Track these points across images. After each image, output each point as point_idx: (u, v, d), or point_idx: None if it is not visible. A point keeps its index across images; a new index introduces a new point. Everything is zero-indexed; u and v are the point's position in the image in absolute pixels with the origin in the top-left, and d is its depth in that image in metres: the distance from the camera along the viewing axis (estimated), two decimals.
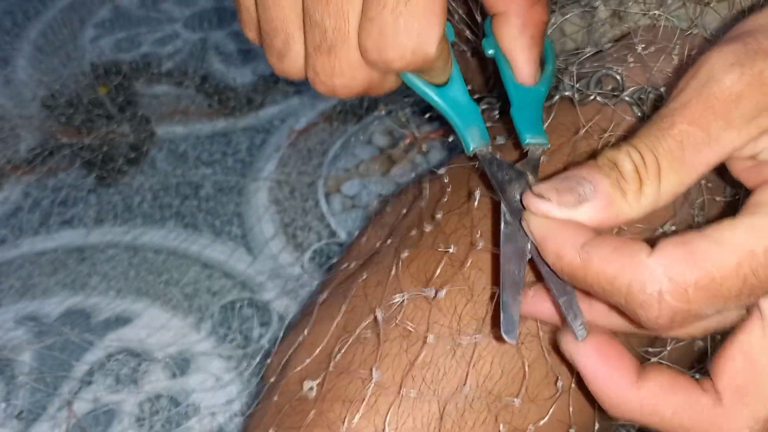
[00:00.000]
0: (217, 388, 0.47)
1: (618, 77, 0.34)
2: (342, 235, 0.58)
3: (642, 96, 0.34)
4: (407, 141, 0.62)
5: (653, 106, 0.33)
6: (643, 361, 0.32)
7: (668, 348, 0.32)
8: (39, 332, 0.51)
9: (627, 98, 0.34)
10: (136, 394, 0.47)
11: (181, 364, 0.48)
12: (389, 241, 0.35)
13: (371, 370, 0.29)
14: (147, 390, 0.47)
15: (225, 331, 0.51)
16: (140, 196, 0.62)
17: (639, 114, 0.33)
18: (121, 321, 0.52)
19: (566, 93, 0.35)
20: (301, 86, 0.73)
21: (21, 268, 0.56)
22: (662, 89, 0.33)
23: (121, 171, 0.64)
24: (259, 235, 0.58)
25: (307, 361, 0.32)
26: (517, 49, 0.30)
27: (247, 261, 0.56)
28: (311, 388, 0.31)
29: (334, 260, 0.48)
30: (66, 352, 0.49)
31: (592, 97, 0.34)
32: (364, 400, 0.29)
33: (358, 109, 0.68)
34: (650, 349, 0.32)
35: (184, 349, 0.49)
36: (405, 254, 0.33)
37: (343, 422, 0.29)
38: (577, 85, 0.35)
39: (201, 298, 0.53)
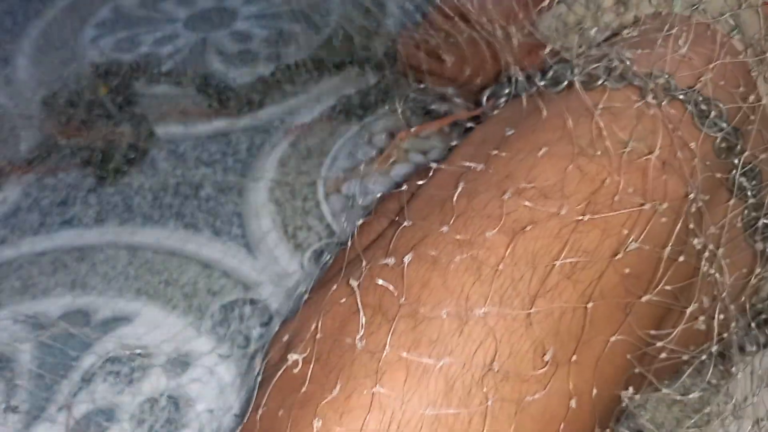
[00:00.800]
0: (216, 388, 0.47)
1: (626, 62, 0.34)
2: (342, 236, 0.57)
3: (649, 80, 0.33)
4: (402, 136, 0.62)
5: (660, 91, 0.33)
6: (647, 345, 0.32)
7: (674, 331, 0.32)
8: (38, 332, 0.51)
9: (635, 82, 0.34)
10: (136, 394, 0.47)
11: (180, 364, 0.48)
12: (396, 218, 0.35)
13: (384, 345, 0.29)
14: (146, 390, 0.47)
15: (225, 331, 0.51)
16: (140, 196, 0.62)
17: (645, 98, 0.33)
18: (121, 321, 0.52)
19: (573, 78, 0.35)
20: (301, 86, 0.73)
21: (21, 268, 0.56)
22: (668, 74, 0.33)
23: (121, 171, 0.64)
24: (259, 235, 0.58)
25: (321, 336, 0.31)
26: None
27: (247, 261, 0.56)
28: (297, 360, 0.30)
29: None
30: (66, 352, 0.49)
31: (599, 82, 0.34)
32: (368, 376, 0.29)
33: (358, 108, 0.68)
34: (653, 332, 0.32)
35: (183, 349, 0.49)
36: (408, 223, 0.33)
37: (347, 399, 0.29)
38: (587, 70, 0.34)
39: (200, 297, 0.53)
